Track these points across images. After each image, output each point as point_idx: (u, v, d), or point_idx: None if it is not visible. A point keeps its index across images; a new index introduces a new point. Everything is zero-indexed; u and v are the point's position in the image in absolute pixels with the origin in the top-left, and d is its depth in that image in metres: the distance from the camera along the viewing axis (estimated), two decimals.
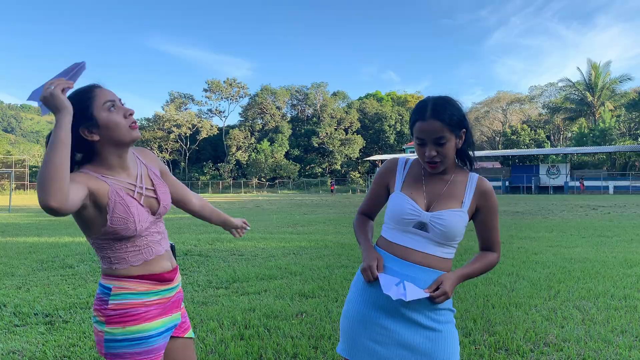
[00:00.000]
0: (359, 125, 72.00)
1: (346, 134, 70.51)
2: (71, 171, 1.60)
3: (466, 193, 1.81)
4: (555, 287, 5.58)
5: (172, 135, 69.40)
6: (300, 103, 77.28)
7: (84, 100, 1.63)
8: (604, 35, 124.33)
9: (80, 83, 1.65)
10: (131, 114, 1.69)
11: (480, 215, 1.84)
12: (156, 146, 68.91)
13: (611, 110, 61.49)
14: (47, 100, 1.43)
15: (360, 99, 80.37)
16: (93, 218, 1.62)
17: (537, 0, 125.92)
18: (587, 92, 63.54)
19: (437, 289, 1.71)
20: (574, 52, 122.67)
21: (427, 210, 1.77)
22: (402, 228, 1.78)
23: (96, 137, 1.63)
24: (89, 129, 1.62)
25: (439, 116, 1.70)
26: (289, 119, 75.58)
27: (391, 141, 72.00)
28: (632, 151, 50.96)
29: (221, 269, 6.95)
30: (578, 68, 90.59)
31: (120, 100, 1.70)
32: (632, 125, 58.72)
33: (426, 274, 1.75)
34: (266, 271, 6.72)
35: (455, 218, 1.75)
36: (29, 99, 1.58)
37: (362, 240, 1.91)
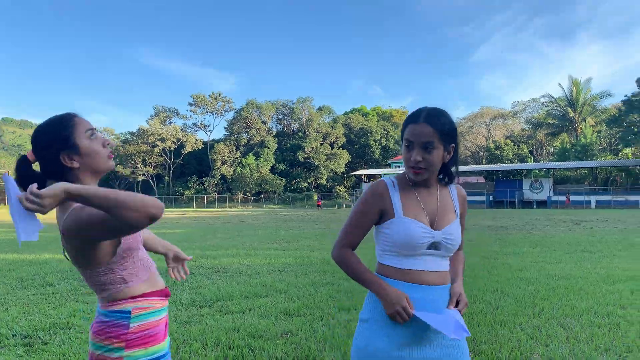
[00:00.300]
0: (344, 140, 72.33)
1: (332, 149, 70.74)
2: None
3: (454, 203, 1.88)
4: (539, 304, 5.60)
5: (156, 150, 69.05)
6: (285, 117, 77.52)
7: (65, 127, 1.64)
8: (585, 52, 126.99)
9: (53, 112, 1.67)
10: (109, 144, 1.71)
11: (459, 219, 1.91)
12: (140, 160, 68.48)
13: (592, 125, 62.60)
14: (51, 206, 1.35)
15: (345, 113, 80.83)
16: (108, 243, 1.61)
17: (520, 17, 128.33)
18: (568, 108, 64.69)
19: (457, 302, 1.80)
20: (556, 68, 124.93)
21: (432, 227, 1.77)
22: (413, 252, 1.74)
23: (76, 164, 1.63)
24: (69, 155, 1.62)
25: (432, 122, 1.70)
26: (274, 134, 75.69)
27: (376, 156, 72.40)
28: (613, 166, 51.80)
29: (205, 287, 6.87)
30: (559, 84, 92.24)
31: (96, 129, 1.71)
32: (612, 140, 59.73)
33: (444, 291, 1.80)
34: (251, 289, 6.66)
35: (458, 230, 1.83)
36: (26, 239, 1.38)
37: (370, 278, 1.77)
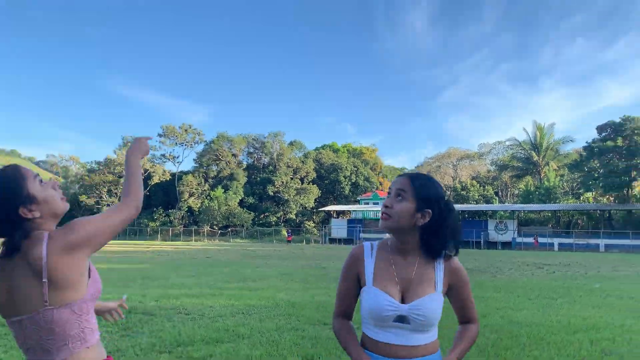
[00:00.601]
0: (314, 175, 72.63)
1: (302, 184, 70.87)
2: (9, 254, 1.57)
3: (437, 274, 1.80)
4: (502, 354, 5.63)
5: (122, 180, 67.66)
6: (256, 151, 77.53)
7: (15, 179, 1.61)
8: (548, 98, 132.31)
9: None
10: (58, 186, 1.73)
11: (454, 292, 1.85)
12: (105, 190, 67.08)
13: (555, 169, 64.62)
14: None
15: (316, 149, 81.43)
16: (82, 276, 1.59)
17: (487, 62, 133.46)
18: (532, 152, 66.70)
19: None
20: (521, 112, 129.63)
21: (403, 300, 1.73)
22: (382, 324, 1.73)
23: (37, 214, 1.61)
24: (28, 207, 1.60)
25: (412, 177, 1.80)
26: (244, 167, 75.42)
27: (346, 192, 72.75)
28: (574, 210, 53.27)
29: (166, 330, 6.67)
30: (524, 129, 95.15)
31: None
32: (574, 184, 61.59)
33: None
34: (213, 333, 6.49)
35: (433, 304, 1.74)
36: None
37: (354, 351, 1.77)
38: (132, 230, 65.58)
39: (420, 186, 1.76)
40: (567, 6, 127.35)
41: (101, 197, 66.95)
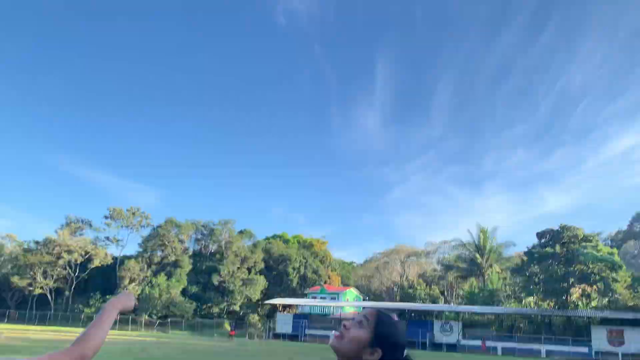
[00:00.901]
0: (263, 265, 71.47)
1: (249, 274, 69.38)
2: None
3: None
4: None
5: (60, 261, 64.55)
6: (204, 238, 76.13)
7: None
8: (491, 201, 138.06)
9: None
10: None
11: None
12: (40, 271, 63.49)
13: (498, 272, 66.09)
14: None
15: (267, 238, 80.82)
16: None
17: (435, 163, 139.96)
18: (476, 254, 68.37)
19: None
20: (466, 213, 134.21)
21: None
22: None
23: None
24: None
25: (379, 313, 1.76)
26: (190, 254, 73.49)
27: (294, 284, 71.56)
28: (517, 314, 54.11)
29: None
30: (468, 230, 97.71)
31: None
32: (516, 288, 62.96)
33: None
34: None
35: None
36: None
37: None
38: (64, 317, 61.61)
39: (382, 323, 1.73)
40: (509, 118, 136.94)
41: (35, 279, 63.16)
